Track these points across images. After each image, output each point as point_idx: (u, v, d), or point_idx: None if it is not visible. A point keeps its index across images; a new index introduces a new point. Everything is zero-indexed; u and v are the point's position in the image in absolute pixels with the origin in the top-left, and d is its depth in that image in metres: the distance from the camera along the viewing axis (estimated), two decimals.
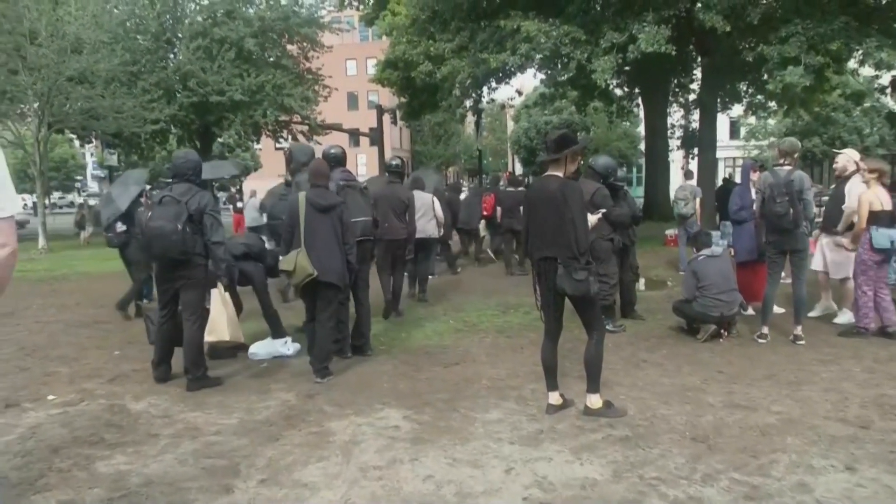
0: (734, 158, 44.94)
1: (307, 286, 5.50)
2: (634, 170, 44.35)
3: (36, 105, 19.33)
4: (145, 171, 9.35)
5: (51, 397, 5.24)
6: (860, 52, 13.71)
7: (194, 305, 5.40)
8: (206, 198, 5.35)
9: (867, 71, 17.66)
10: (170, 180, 5.45)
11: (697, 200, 11.31)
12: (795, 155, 6.45)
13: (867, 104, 34.66)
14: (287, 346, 6.43)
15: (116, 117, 20.09)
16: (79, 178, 67.81)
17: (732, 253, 8.19)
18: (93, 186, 66.95)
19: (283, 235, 5.72)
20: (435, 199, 9.59)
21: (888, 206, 6.42)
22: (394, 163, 8.58)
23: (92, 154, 49.71)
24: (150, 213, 5.38)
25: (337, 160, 6.64)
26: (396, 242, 7.92)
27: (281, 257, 5.72)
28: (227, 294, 6.08)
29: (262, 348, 6.40)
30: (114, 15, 22.36)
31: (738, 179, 9.86)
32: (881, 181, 6.56)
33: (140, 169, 8.99)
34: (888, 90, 25.46)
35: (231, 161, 12.38)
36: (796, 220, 6.11)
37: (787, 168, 6.29)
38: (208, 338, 5.80)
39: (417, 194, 9.06)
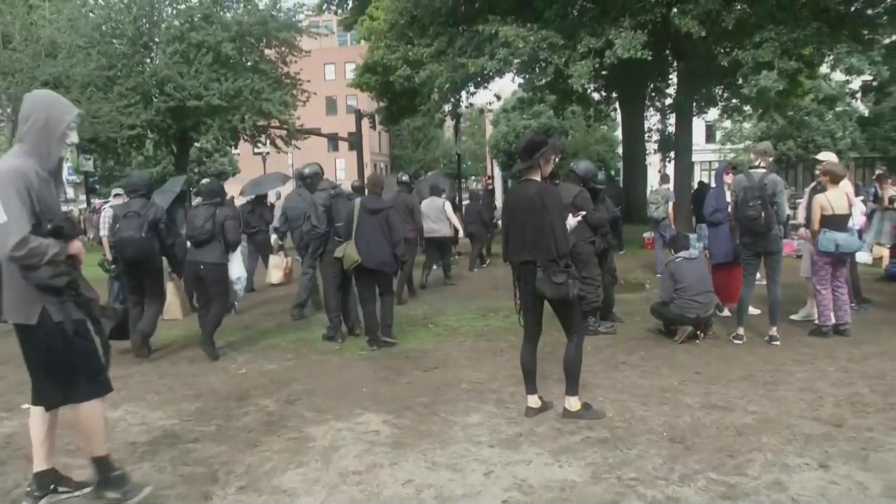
0: (710, 162, 45.41)
1: (359, 272, 6.65)
2: (612, 173, 44.66)
3: (9, 109, 19.04)
4: (183, 177, 10.02)
5: (26, 406, 5.14)
6: (832, 57, 13.98)
7: (156, 293, 6.88)
8: (159, 210, 6.78)
9: (839, 76, 17.99)
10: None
11: (670, 204, 11.45)
12: (770, 158, 6.56)
13: (839, 108, 35.24)
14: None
15: (92, 122, 19.85)
16: None
17: (708, 255, 8.29)
18: (68, 192, 66.06)
19: (342, 232, 6.83)
20: (447, 203, 11.00)
21: (840, 210, 6.54)
22: (404, 178, 10.65)
23: (67, 159, 49.12)
24: (118, 225, 6.66)
25: (317, 176, 8.07)
26: (406, 239, 8.32)
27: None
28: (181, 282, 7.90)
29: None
30: (89, 19, 22.12)
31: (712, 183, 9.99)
32: (834, 182, 6.68)
33: (179, 176, 9.83)
34: (859, 94, 25.91)
35: (276, 175, 13.00)
36: (768, 223, 6.21)
37: (762, 171, 6.39)
38: (165, 317, 7.69)
39: (433, 199, 10.89)
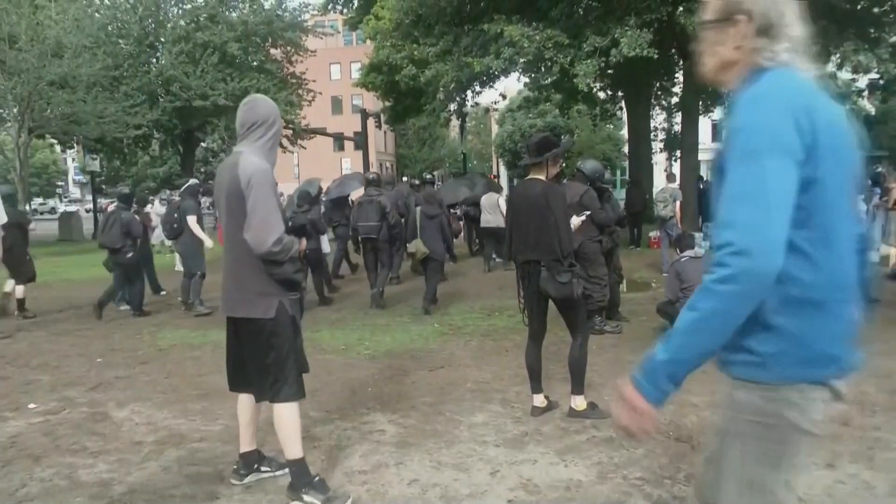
0: None
1: (423, 259, 8.84)
2: (618, 172, 44.60)
3: (16, 110, 19.15)
4: (318, 181, 10.73)
5: (32, 406, 5.18)
6: (838, 55, 13.92)
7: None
8: (129, 218, 8.82)
9: (845, 74, 17.91)
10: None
11: (677, 203, 11.42)
12: None
13: (846, 106, 35.04)
14: None
15: (98, 122, 19.95)
16: (60, 183, 67.15)
17: None
18: (74, 192, 66.40)
19: (409, 233, 9.02)
20: (501, 198, 12.25)
21: None
22: (428, 177, 13.80)
23: (73, 159, 49.26)
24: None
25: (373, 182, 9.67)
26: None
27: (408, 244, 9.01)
28: None
29: None
30: (95, 19, 22.23)
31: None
32: None
33: (314, 181, 10.65)
34: (865, 93, 25.79)
35: (355, 175, 14.41)
36: None
37: None
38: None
39: (490, 195, 12.61)
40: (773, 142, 1.51)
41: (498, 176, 32.00)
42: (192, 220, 8.89)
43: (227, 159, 3.46)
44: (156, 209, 16.18)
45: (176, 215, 9.10)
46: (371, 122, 26.04)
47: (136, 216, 9.35)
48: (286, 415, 3.33)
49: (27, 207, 19.26)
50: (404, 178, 13.73)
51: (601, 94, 23.31)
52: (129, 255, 8.80)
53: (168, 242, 13.62)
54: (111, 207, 9.95)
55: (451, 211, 12.97)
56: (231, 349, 3.52)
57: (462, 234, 15.30)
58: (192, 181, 9.69)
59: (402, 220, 9.59)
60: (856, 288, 1.70)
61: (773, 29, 1.65)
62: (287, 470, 3.45)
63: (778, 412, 1.58)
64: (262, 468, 3.67)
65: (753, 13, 1.66)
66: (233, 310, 3.37)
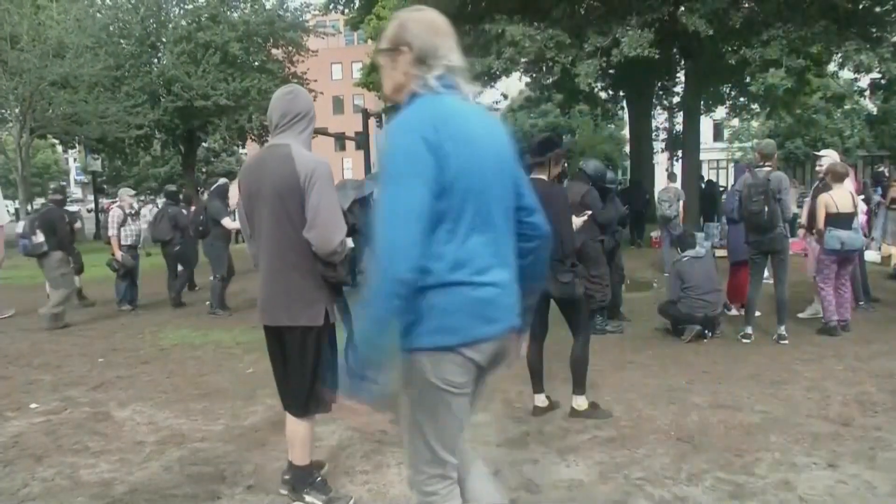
0: (718, 160, 45.30)
1: None
2: (619, 172, 44.58)
3: (17, 110, 19.17)
4: (362, 180, 11.05)
5: (33, 405, 5.19)
6: (840, 55, 13.90)
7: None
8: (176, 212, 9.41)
9: (847, 74, 17.88)
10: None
11: (681, 203, 11.43)
12: (775, 156, 6.55)
13: (848, 106, 35.10)
14: None
15: (100, 122, 19.96)
16: (62, 183, 67.18)
17: (722, 252, 8.24)
18: (76, 192, 66.44)
19: None
20: None
21: (844, 209, 6.57)
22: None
23: (75, 159, 49.37)
24: None
25: None
26: None
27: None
28: None
29: None
30: (97, 19, 22.23)
31: (723, 181, 9.98)
32: (837, 181, 6.72)
33: (358, 179, 11.02)
34: (867, 92, 25.75)
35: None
36: (772, 219, 6.18)
37: (767, 169, 6.37)
38: None
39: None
40: (407, 164, 1.84)
41: None
42: (227, 222, 8.74)
43: (268, 152, 3.15)
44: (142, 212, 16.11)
45: (202, 217, 9.14)
46: (372, 121, 25.98)
47: (184, 210, 10.16)
48: (306, 428, 3.24)
49: (29, 207, 19.22)
50: None
51: (603, 94, 23.31)
52: (177, 247, 9.61)
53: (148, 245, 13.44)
54: (113, 207, 10.00)
55: None
56: (277, 364, 3.25)
57: None
58: (222, 181, 9.68)
59: None
60: (509, 268, 2.05)
61: (429, 59, 1.98)
62: (324, 469, 3.51)
63: (421, 373, 1.94)
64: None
65: (413, 45, 1.99)
66: (276, 318, 3.12)
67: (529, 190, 2.26)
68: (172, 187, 11.63)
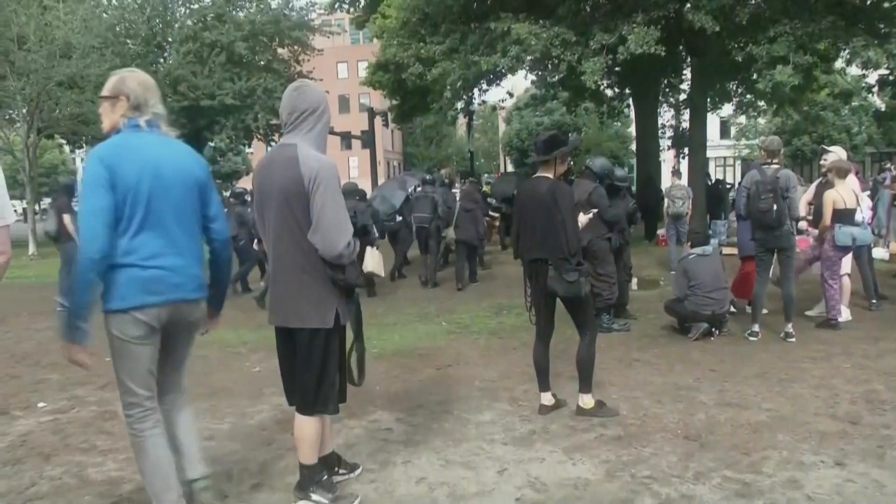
0: (724, 158, 45.13)
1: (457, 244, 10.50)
2: (626, 170, 44.43)
3: (25, 110, 19.25)
4: (413, 177, 12.21)
5: (41, 404, 5.21)
6: (847, 51, 13.81)
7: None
8: (243, 210, 10.22)
9: (855, 70, 17.79)
10: None
11: (690, 200, 11.44)
12: (781, 153, 6.53)
13: (855, 103, 34.89)
14: None
15: None
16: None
17: (729, 249, 8.20)
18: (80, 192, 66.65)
19: (447, 222, 10.64)
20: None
21: (851, 205, 6.61)
22: (471, 179, 14.31)
23: (82, 159, 49.45)
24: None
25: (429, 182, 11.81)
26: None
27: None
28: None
29: None
30: (103, 19, 22.29)
31: (729, 179, 9.96)
32: (842, 177, 6.78)
33: (407, 175, 11.96)
34: (875, 89, 25.60)
35: (414, 172, 15.87)
36: (780, 218, 6.16)
37: (775, 167, 6.35)
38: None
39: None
40: (94, 179, 2.67)
41: (504, 173, 32.05)
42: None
43: (276, 153, 3.14)
44: None
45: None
46: (378, 120, 26.04)
47: (249, 209, 10.72)
48: (313, 427, 3.22)
49: (37, 207, 19.33)
50: (471, 179, 14.65)
51: (608, 92, 23.19)
52: (242, 241, 10.15)
53: None
54: None
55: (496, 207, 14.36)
56: (285, 363, 3.25)
57: (498, 228, 15.72)
58: (240, 188, 10.63)
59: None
60: (183, 256, 2.84)
61: (140, 106, 2.87)
62: (359, 471, 3.58)
63: (110, 328, 2.79)
64: (341, 470, 3.58)
65: (129, 96, 2.86)
66: (286, 319, 3.11)
67: (217, 203, 3.06)
68: (240, 188, 12.42)
